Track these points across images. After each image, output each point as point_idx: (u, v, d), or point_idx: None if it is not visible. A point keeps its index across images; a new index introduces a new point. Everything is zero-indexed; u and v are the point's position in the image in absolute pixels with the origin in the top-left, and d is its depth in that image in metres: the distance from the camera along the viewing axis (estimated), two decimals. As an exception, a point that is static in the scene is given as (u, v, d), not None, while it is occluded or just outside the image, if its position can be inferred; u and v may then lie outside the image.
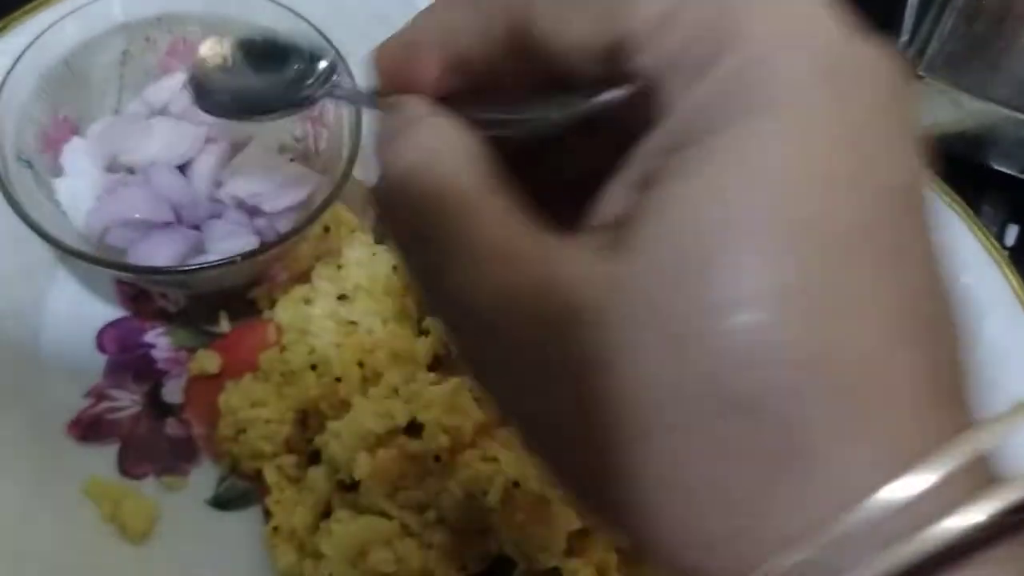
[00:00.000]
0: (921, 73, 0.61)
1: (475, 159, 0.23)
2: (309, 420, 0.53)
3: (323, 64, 0.34)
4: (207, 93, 0.39)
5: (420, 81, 0.26)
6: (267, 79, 0.36)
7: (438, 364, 0.54)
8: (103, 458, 0.53)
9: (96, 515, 0.51)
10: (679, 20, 0.21)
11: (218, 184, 0.56)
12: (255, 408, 0.52)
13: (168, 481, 0.53)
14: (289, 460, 0.52)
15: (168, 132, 0.57)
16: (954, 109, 0.62)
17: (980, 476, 0.19)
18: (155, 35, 0.59)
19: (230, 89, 0.37)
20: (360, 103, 0.31)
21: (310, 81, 0.34)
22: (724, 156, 0.20)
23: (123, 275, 0.56)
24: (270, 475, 0.51)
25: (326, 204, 0.53)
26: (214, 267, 0.51)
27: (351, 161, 0.54)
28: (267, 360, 0.55)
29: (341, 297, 0.56)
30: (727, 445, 0.19)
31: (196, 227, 0.56)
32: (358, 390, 0.52)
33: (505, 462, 0.47)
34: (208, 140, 0.57)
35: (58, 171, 0.57)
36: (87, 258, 0.51)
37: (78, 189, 0.56)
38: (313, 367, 0.53)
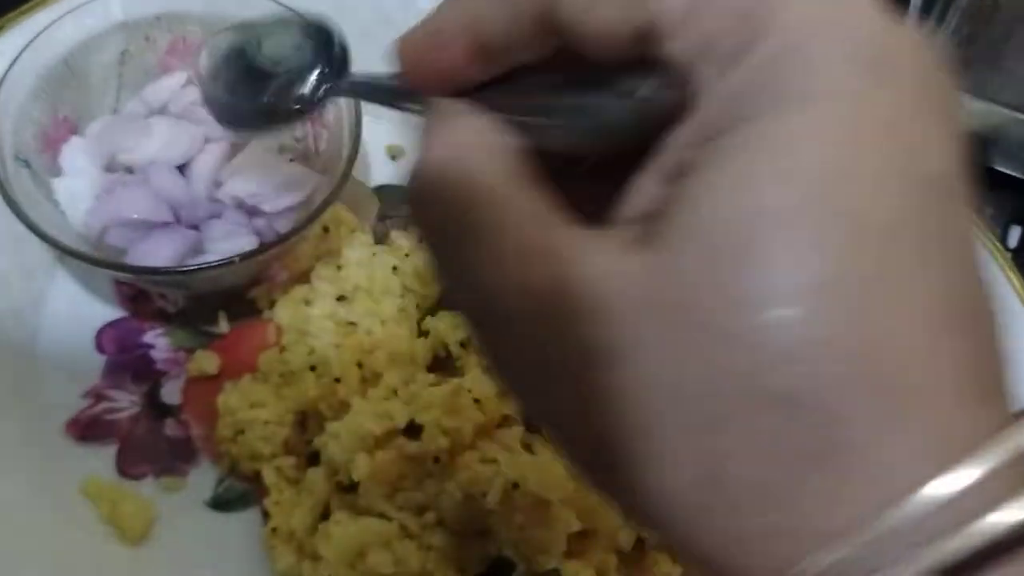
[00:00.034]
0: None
1: (507, 156, 0.23)
2: (308, 421, 0.53)
3: (332, 55, 0.32)
4: (222, 108, 0.37)
5: (446, 70, 0.25)
6: (276, 83, 0.34)
7: (437, 365, 0.53)
8: (101, 459, 0.53)
9: (94, 516, 0.51)
10: (710, 5, 0.21)
11: (217, 184, 0.56)
12: (254, 409, 0.52)
13: (166, 482, 0.53)
14: (288, 461, 0.52)
15: (167, 132, 0.56)
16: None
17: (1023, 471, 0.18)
18: (154, 34, 0.59)
19: (243, 101, 0.35)
20: (376, 99, 0.30)
21: (319, 76, 0.32)
22: (759, 147, 0.20)
23: (122, 275, 0.56)
24: (269, 476, 0.51)
25: (326, 204, 0.53)
26: (213, 267, 0.51)
27: (351, 161, 0.54)
28: (266, 361, 0.55)
29: (340, 298, 0.55)
30: (765, 441, 0.19)
31: (195, 227, 0.56)
32: (357, 391, 0.51)
33: (504, 464, 0.47)
34: (207, 140, 0.57)
35: (57, 171, 0.56)
36: (85, 258, 0.51)
37: (77, 189, 0.55)
38: (312, 368, 0.53)
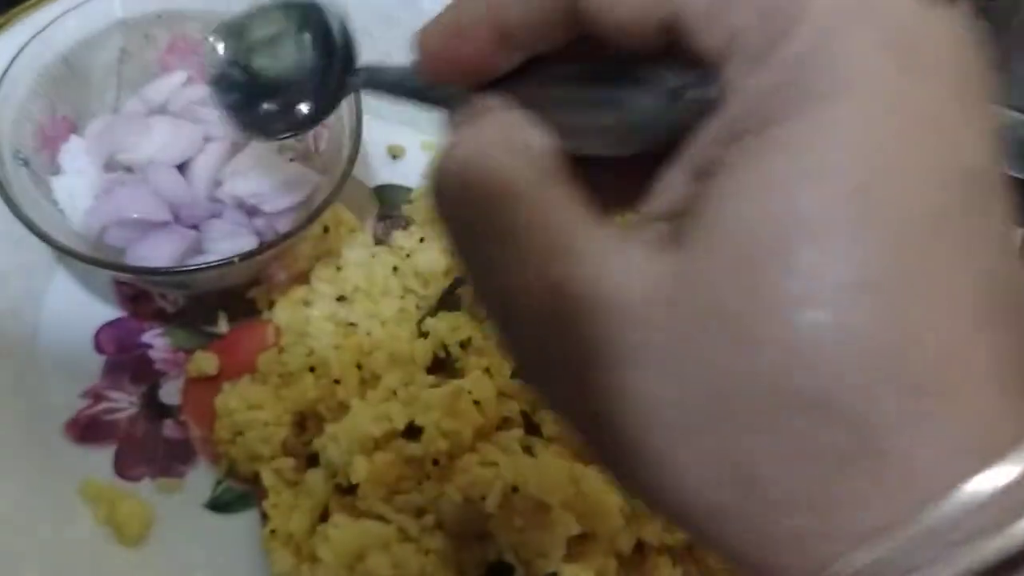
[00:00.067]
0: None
1: (537, 152, 0.23)
2: (307, 422, 0.53)
3: (335, 45, 0.31)
4: (240, 120, 0.36)
5: (469, 61, 0.25)
6: (286, 93, 0.33)
7: (437, 367, 0.53)
8: (99, 460, 0.53)
9: (92, 517, 0.51)
10: None
11: (217, 184, 0.56)
12: (252, 410, 0.52)
13: (164, 483, 0.52)
14: (287, 463, 0.51)
15: (167, 131, 0.56)
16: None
17: None
18: (155, 32, 0.59)
19: (259, 113, 0.34)
20: (394, 91, 0.29)
21: (331, 76, 0.31)
22: (788, 146, 0.19)
23: (121, 275, 0.56)
24: (267, 478, 0.51)
25: (326, 204, 0.52)
26: (212, 268, 0.51)
27: (351, 161, 0.53)
28: (265, 362, 0.55)
29: (340, 298, 0.55)
30: (796, 444, 0.19)
31: (195, 227, 0.55)
32: (356, 392, 0.51)
33: (504, 466, 0.46)
34: (207, 139, 0.56)
35: (56, 170, 0.56)
36: (84, 258, 0.51)
37: (76, 188, 0.55)
38: (311, 369, 0.53)
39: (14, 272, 0.56)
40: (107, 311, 0.58)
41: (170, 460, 0.53)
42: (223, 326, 0.57)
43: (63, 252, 0.51)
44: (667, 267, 0.20)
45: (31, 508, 0.50)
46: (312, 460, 0.51)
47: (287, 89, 0.33)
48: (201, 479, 0.53)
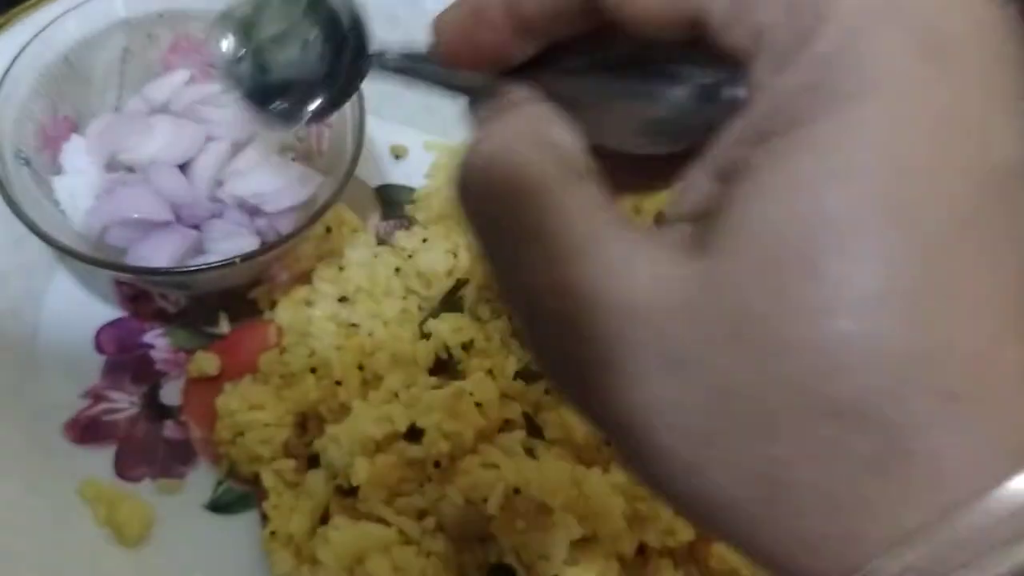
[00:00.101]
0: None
1: (566, 149, 0.23)
2: (308, 423, 0.53)
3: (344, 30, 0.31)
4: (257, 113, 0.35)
5: (488, 47, 0.25)
6: (299, 86, 0.32)
7: (439, 368, 0.53)
8: (99, 460, 0.53)
9: (92, 518, 0.51)
10: None
11: (219, 183, 0.56)
12: (253, 411, 0.51)
13: (164, 484, 0.52)
14: (287, 464, 0.51)
15: (169, 130, 0.56)
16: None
17: None
18: (157, 32, 0.59)
19: (274, 104, 0.33)
20: (411, 74, 0.29)
21: (343, 52, 0.30)
22: (815, 150, 0.19)
23: (122, 275, 0.56)
24: (268, 479, 0.51)
25: (328, 205, 0.52)
26: (214, 268, 0.51)
27: (354, 161, 0.53)
28: (266, 362, 0.54)
29: (342, 299, 0.55)
30: (826, 450, 0.18)
31: (196, 227, 0.55)
32: (358, 394, 0.51)
33: (506, 469, 0.46)
34: (209, 139, 0.56)
35: (57, 169, 0.56)
36: (85, 259, 0.50)
37: (77, 188, 0.55)
38: (313, 370, 0.52)
39: (14, 271, 0.56)
40: (108, 311, 0.57)
41: (170, 461, 0.53)
42: (224, 326, 0.57)
43: (64, 252, 0.50)
44: (691, 272, 0.20)
45: (31, 508, 0.50)
46: (313, 461, 0.51)
47: (299, 75, 0.32)
48: (201, 480, 0.53)
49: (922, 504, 0.18)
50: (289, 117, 0.33)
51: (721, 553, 0.46)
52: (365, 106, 0.54)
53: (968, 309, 0.18)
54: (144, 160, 0.55)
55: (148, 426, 0.54)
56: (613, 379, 0.21)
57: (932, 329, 0.18)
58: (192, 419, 0.54)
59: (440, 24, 0.26)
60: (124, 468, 0.53)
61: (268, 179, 0.55)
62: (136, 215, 0.54)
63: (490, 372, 0.50)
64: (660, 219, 0.53)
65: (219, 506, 0.52)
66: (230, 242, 0.55)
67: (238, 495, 0.52)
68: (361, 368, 0.52)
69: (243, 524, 0.51)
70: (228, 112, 0.57)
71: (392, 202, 0.62)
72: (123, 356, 0.56)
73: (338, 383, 0.51)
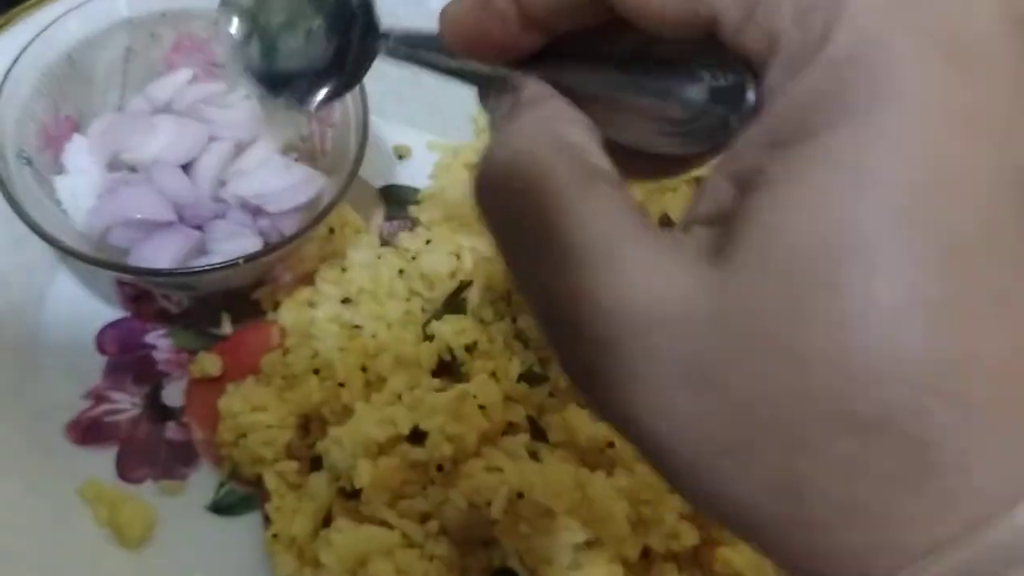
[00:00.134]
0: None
1: (586, 151, 0.22)
2: (311, 425, 0.52)
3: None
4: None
5: (494, 38, 0.25)
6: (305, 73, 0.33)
7: (442, 370, 0.52)
8: (101, 461, 0.53)
9: (93, 520, 0.50)
10: None
11: (221, 184, 0.55)
12: (256, 412, 0.51)
13: (166, 486, 0.52)
14: (290, 466, 0.51)
15: (171, 130, 0.56)
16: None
17: None
18: (160, 31, 0.58)
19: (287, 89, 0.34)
20: (420, 60, 0.28)
21: (351, 32, 0.31)
22: (832, 158, 0.19)
23: (124, 276, 0.55)
24: (270, 481, 0.50)
25: (332, 206, 0.52)
26: (217, 270, 0.50)
27: (358, 161, 0.53)
28: (269, 363, 0.54)
29: (345, 300, 0.55)
30: (849, 465, 0.18)
31: (199, 227, 0.55)
32: (361, 396, 0.51)
33: (509, 472, 0.46)
34: (212, 139, 0.56)
35: (59, 169, 0.56)
36: (87, 259, 0.50)
37: (79, 188, 0.55)
38: (316, 371, 0.52)
39: (16, 271, 0.55)
40: (110, 311, 0.57)
41: (172, 462, 0.53)
42: (227, 327, 0.57)
43: (66, 253, 0.50)
44: (710, 283, 0.20)
45: (31, 509, 0.50)
46: (315, 463, 0.51)
47: (309, 57, 0.32)
48: (203, 481, 0.53)
49: (950, 517, 0.18)
50: (300, 99, 0.33)
51: (726, 557, 0.46)
52: (368, 105, 0.53)
53: (993, 320, 0.18)
54: (147, 160, 0.55)
55: (150, 427, 0.54)
56: (631, 387, 0.20)
57: (956, 341, 0.18)
58: (194, 420, 0.54)
59: (447, 14, 0.25)
60: (126, 469, 0.52)
61: (271, 179, 0.55)
62: (138, 215, 0.53)
63: (493, 374, 0.50)
64: (664, 221, 0.53)
65: (221, 508, 0.52)
66: (233, 243, 0.54)
67: (240, 497, 0.52)
68: (364, 370, 0.52)
69: (245, 526, 0.51)
70: (231, 112, 0.57)
71: (395, 203, 0.62)
72: (125, 357, 0.56)
73: (341, 385, 0.51)
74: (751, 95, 0.21)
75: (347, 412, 0.50)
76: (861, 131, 0.18)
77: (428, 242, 0.56)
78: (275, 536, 0.49)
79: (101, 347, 0.56)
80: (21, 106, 0.54)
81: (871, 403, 0.18)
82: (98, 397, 0.54)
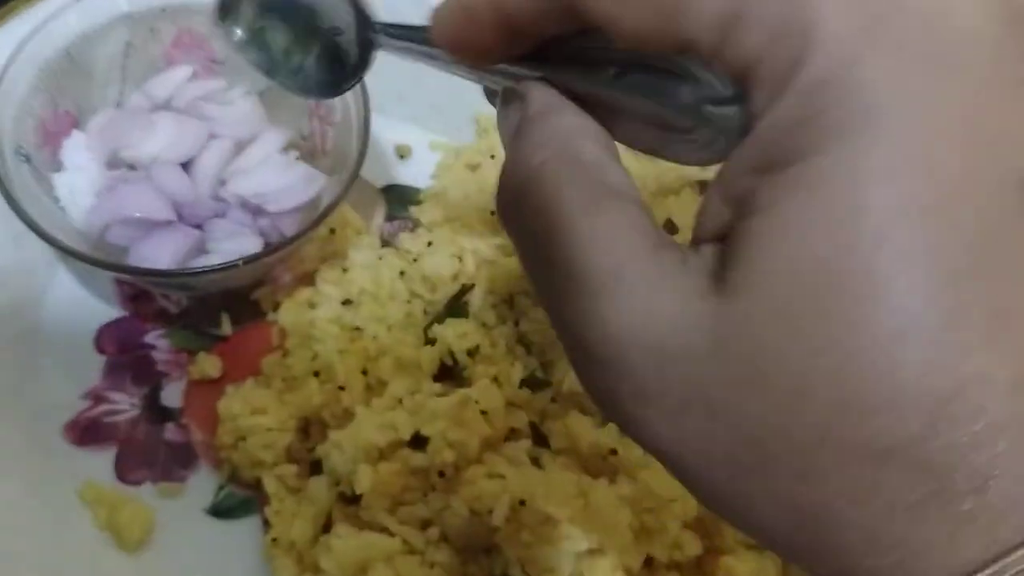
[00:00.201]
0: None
1: (593, 167, 0.23)
2: (311, 428, 0.52)
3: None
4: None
5: (478, 44, 0.25)
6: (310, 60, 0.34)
7: (444, 374, 0.52)
8: (100, 463, 0.52)
9: (92, 522, 0.50)
10: (747, 21, 0.19)
11: (221, 182, 0.55)
12: (255, 415, 0.51)
13: (165, 488, 0.52)
14: (289, 469, 0.50)
15: (171, 128, 0.55)
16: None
17: None
18: (160, 26, 0.58)
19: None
20: (419, 54, 0.29)
21: (346, 25, 0.32)
22: (818, 188, 0.18)
23: (122, 276, 0.55)
24: (270, 484, 0.50)
25: (333, 206, 0.51)
26: (216, 271, 0.50)
27: (359, 161, 0.52)
28: (269, 365, 0.54)
29: (346, 302, 0.54)
30: (863, 491, 0.18)
31: (198, 226, 0.54)
32: (362, 399, 0.50)
33: (511, 479, 0.45)
34: (211, 136, 0.55)
35: (57, 166, 0.55)
36: (86, 259, 0.50)
37: (78, 185, 0.54)
38: (316, 374, 0.52)
39: (15, 270, 0.55)
40: (108, 310, 0.57)
41: (171, 464, 0.53)
42: (226, 327, 0.56)
43: (64, 252, 0.50)
44: (713, 310, 0.20)
45: (30, 511, 0.49)
46: (315, 467, 0.50)
47: (307, 54, 0.34)
48: (202, 484, 0.52)
49: (971, 541, 0.18)
50: (306, 89, 0.35)
51: (729, 566, 0.45)
52: (370, 104, 0.53)
53: (1000, 338, 0.18)
54: (146, 158, 0.54)
55: (149, 428, 0.53)
56: (643, 409, 0.21)
57: (962, 363, 0.17)
58: (193, 422, 0.54)
59: (436, 17, 0.26)
60: (125, 471, 0.52)
61: (271, 178, 0.54)
62: (138, 214, 0.53)
63: (495, 379, 0.50)
64: (668, 226, 0.53)
65: (220, 511, 0.51)
66: (232, 242, 0.54)
67: (240, 500, 0.52)
68: (365, 373, 0.51)
69: (245, 529, 0.51)
70: (231, 109, 0.56)
71: (397, 203, 0.61)
72: (124, 357, 0.55)
73: (341, 388, 0.51)
74: (735, 110, 0.21)
75: (347, 415, 0.50)
76: (843, 157, 0.18)
77: (430, 244, 0.55)
78: (274, 541, 0.49)
79: (100, 347, 0.55)
80: (19, 102, 0.53)
81: (879, 431, 0.18)
82: (97, 397, 0.54)
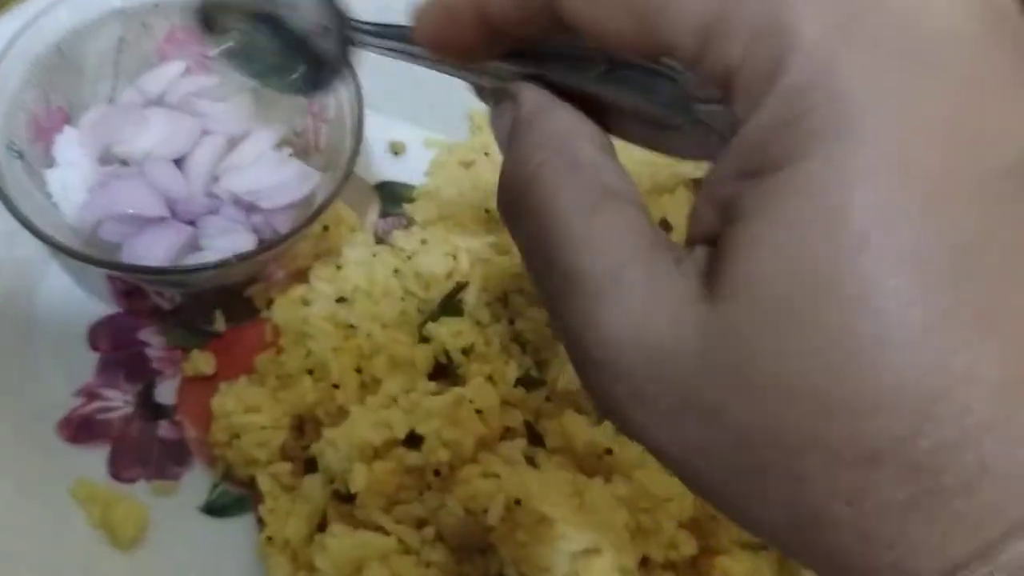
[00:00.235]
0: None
1: (589, 167, 0.23)
2: (305, 426, 0.52)
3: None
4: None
5: (460, 45, 0.25)
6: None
7: (439, 373, 0.52)
8: (93, 460, 0.52)
9: (85, 520, 0.50)
10: (726, 27, 0.19)
11: (214, 179, 0.55)
12: (249, 413, 0.51)
13: (159, 486, 0.51)
14: (284, 468, 0.50)
15: (164, 124, 0.55)
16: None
17: None
18: (152, 21, 0.57)
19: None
20: (401, 52, 0.29)
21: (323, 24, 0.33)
22: (800, 193, 0.18)
23: (115, 273, 0.55)
24: (264, 483, 0.50)
25: (327, 203, 0.51)
26: (209, 268, 0.50)
27: (353, 158, 0.52)
28: (263, 363, 0.54)
29: (340, 299, 0.54)
30: (856, 492, 0.18)
31: (191, 223, 0.54)
32: (356, 397, 0.50)
33: (506, 478, 0.45)
34: (204, 133, 0.55)
35: (50, 161, 0.55)
36: (78, 256, 0.49)
37: (70, 181, 0.54)
38: (310, 371, 0.52)
39: (7, 265, 0.55)
40: (102, 306, 0.56)
41: (165, 462, 0.52)
42: (220, 324, 0.56)
43: (56, 249, 0.49)
44: (704, 315, 0.20)
45: (23, 509, 0.49)
46: (310, 465, 0.50)
47: (291, 55, 0.35)
48: (197, 482, 0.52)
49: (962, 540, 0.18)
50: (293, 87, 0.36)
51: (725, 567, 0.46)
52: (363, 101, 0.53)
53: (986, 337, 0.18)
54: (138, 153, 0.54)
55: (142, 425, 0.53)
56: (640, 409, 0.21)
57: (947, 364, 0.18)
58: (187, 419, 0.54)
59: (418, 18, 0.26)
60: (118, 469, 0.52)
61: (265, 175, 0.54)
62: (130, 210, 0.52)
63: (490, 378, 0.50)
64: (663, 225, 0.53)
65: (214, 509, 0.51)
66: (226, 239, 0.53)
67: (234, 498, 0.52)
68: (359, 371, 0.51)
69: (239, 527, 0.51)
70: (224, 105, 0.56)
71: (390, 200, 0.61)
72: (117, 353, 0.55)
73: (335, 386, 0.51)
74: (718, 111, 0.21)
75: (342, 413, 0.50)
76: (825, 161, 0.18)
77: (423, 242, 0.55)
78: (269, 539, 0.48)
79: (93, 343, 0.55)
80: (11, 98, 0.52)
81: (867, 433, 0.18)
82: (90, 394, 0.54)
